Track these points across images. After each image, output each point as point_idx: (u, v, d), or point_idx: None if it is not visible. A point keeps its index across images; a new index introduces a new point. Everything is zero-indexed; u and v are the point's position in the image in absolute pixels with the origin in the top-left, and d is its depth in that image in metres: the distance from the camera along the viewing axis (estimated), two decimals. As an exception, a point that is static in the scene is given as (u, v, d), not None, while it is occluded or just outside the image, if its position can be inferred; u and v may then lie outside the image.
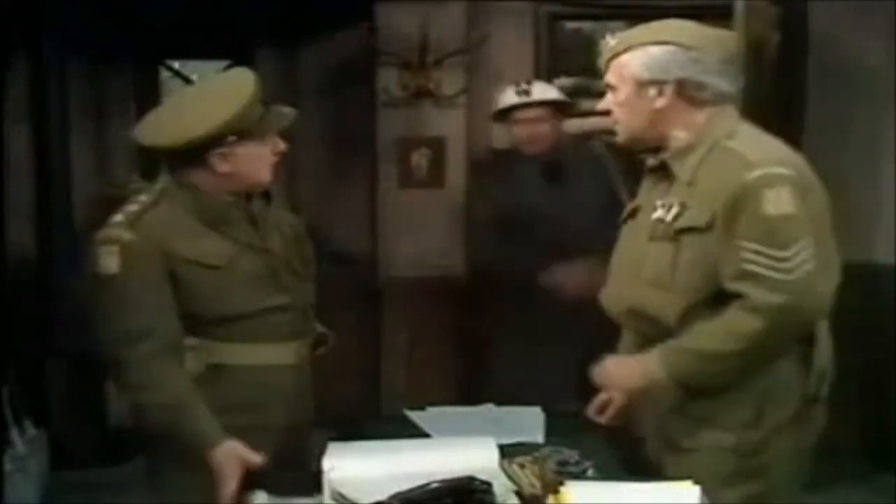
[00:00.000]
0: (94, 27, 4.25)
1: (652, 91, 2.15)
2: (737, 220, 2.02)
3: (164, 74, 5.28)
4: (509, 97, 3.56)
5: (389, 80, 4.19)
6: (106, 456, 4.01)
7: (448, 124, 4.22)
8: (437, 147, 4.22)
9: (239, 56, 4.64)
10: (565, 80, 4.01)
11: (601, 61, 2.26)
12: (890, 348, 3.93)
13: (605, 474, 2.10)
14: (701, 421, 2.15)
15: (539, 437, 2.36)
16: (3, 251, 3.90)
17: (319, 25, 4.46)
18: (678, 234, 2.11)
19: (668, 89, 2.14)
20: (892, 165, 4.10)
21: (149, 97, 4.90)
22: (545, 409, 2.57)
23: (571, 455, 2.17)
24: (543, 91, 3.60)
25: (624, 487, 1.96)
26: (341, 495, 1.94)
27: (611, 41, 2.25)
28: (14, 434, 3.65)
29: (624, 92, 2.19)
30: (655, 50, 2.15)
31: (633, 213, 2.31)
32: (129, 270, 2.08)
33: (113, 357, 2.10)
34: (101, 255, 2.09)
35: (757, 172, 2.02)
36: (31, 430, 3.81)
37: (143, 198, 2.16)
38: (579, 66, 4.30)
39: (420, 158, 4.22)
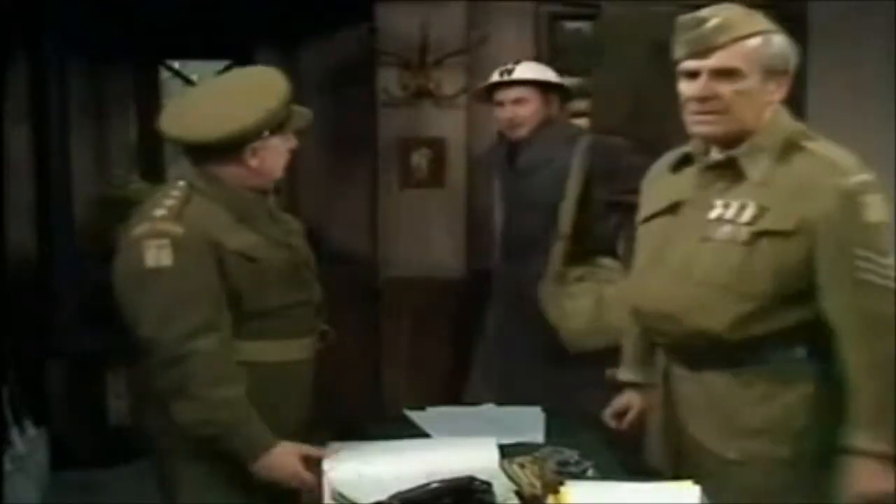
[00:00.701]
0: (94, 27, 4.25)
1: (772, 84, 2.02)
2: (840, 228, 1.93)
3: (164, 74, 5.28)
4: (493, 77, 3.42)
5: (389, 80, 4.19)
6: (106, 456, 4.01)
7: (448, 124, 4.21)
8: (437, 147, 4.21)
9: (239, 56, 4.65)
10: (566, 80, 4.00)
11: (696, 40, 2.01)
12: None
13: (605, 474, 2.11)
14: (742, 428, 2.03)
15: (539, 437, 2.36)
16: (3, 251, 3.90)
17: (319, 25, 4.46)
18: (755, 237, 1.98)
19: (786, 81, 2.04)
20: (893, 166, 4.10)
21: (149, 97, 4.90)
22: (545, 409, 2.58)
23: (571, 455, 2.17)
24: (526, 70, 3.39)
25: (624, 487, 1.96)
26: (341, 495, 1.94)
27: (712, 18, 2.01)
28: (14, 434, 3.65)
29: (751, 80, 2.00)
30: (778, 38, 2.03)
31: (671, 210, 2.15)
32: (183, 263, 2.06)
33: (169, 354, 2.05)
34: (149, 249, 2.05)
35: (854, 179, 1.95)
36: (31, 430, 3.81)
37: (175, 192, 2.15)
38: (580, 67, 4.30)
39: (420, 158, 4.22)
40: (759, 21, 2.04)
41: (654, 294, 2.13)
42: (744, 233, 1.98)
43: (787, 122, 2.06)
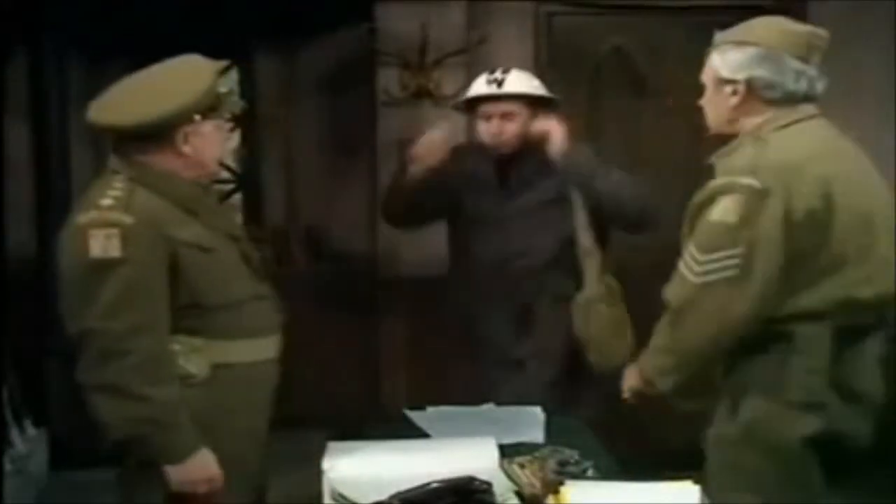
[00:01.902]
0: (94, 27, 4.25)
1: (728, 89, 2.25)
2: (691, 224, 2.20)
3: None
4: (479, 86, 3.10)
5: (389, 80, 4.19)
6: (106, 456, 4.00)
7: (448, 124, 4.21)
8: (437, 147, 4.21)
9: (239, 56, 4.64)
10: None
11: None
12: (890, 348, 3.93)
13: (605, 474, 2.11)
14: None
15: (539, 437, 2.36)
16: (2, 251, 3.90)
17: (319, 25, 4.46)
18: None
19: (741, 88, 2.23)
20: (893, 166, 4.10)
21: (149, 97, 4.89)
22: (545, 410, 2.58)
23: (571, 455, 2.18)
24: (518, 82, 3.08)
25: (624, 487, 1.96)
26: (341, 495, 1.94)
27: (718, 36, 2.33)
28: (14, 434, 3.64)
29: (709, 89, 2.32)
30: (734, 50, 2.25)
31: None
32: (133, 255, 2.02)
33: (109, 348, 2.02)
34: (96, 238, 2.01)
35: (721, 181, 2.16)
36: (31, 430, 3.81)
37: (118, 183, 2.10)
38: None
39: (420, 158, 4.21)
40: (731, 35, 2.29)
41: None
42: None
43: (769, 125, 2.22)
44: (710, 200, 2.14)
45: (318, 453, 2.11)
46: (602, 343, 3.06)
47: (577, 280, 3.09)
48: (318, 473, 2.03)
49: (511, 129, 3.06)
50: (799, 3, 4.15)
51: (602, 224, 3.09)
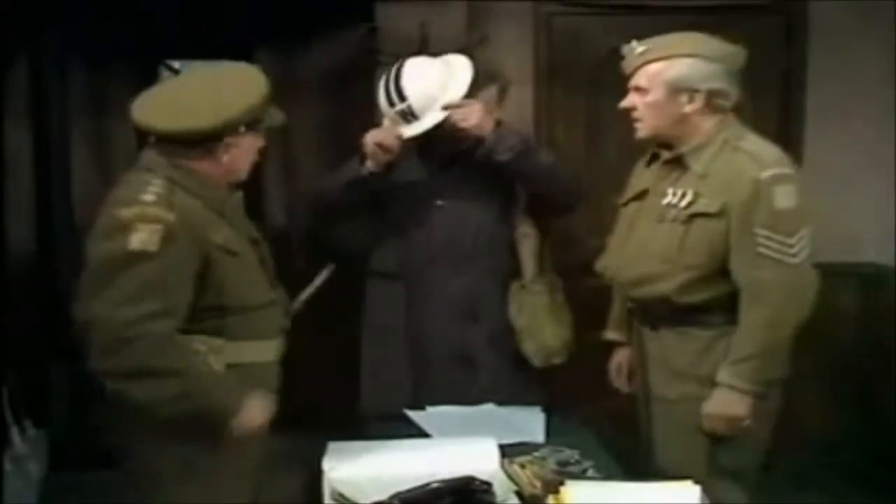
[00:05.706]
0: (94, 27, 4.25)
1: (683, 97, 2.44)
2: (751, 211, 2.36)
3: (164, 74, 5.28)
4: (396, 120, 3.08)
5: (389, 80, 4.18)
6: (106, 457, 4.00)
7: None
8: (437, 147, 4.20)
9: (239, 56, 4.63)
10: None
11: (627, 64, 2.51)
12: (890, 348, 3.93)
13: (605, 474, 2.11)
14: (681, 374, 2.49)
15: (539, 437, 2.37)
16: (3, 252, 3.90)
17: (319, 25, 4.46)
18: (690, 218, 2.43)
19: (700, 97, 2.45)
20: (892, 165, 4.10)
21: (149, 97, 4.89)
22: (545, 410, 2.58)
23: (571, 455, 2.18)
24: (430, 114, 2.98)
25: (624, 487, 1.97)
26: (341, 495, 1.95)
27: (638, 47, 2.48)
28: (14, 434, 3.64)
29: (654, 95, 2.46)
30: (688, 61, 2.43)
31: (640, 197, 2.61)
32: (170, 250, 2.04)
33: (121, 334, 2.01)
34: (137, 231, 2.02)
35: (769, 172, 2.37)
36: (31, 431, 3.81)
37: (157, 181, 2.12)
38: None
39: (420, 158, 4.20)
40: (673, 47, 2.46)
41: (624, 265, 2.60)
42: (682, 215, 2.45)
43: (730, 129, 2.48)
44: (765, 191, 2.35)
45: (318, 453, 2.12)
46: (537, 331, 2.97)
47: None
48: (318, 473, 2.03)
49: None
50: (799, 3, 4.16)
51: (539, 210, 3.07)
